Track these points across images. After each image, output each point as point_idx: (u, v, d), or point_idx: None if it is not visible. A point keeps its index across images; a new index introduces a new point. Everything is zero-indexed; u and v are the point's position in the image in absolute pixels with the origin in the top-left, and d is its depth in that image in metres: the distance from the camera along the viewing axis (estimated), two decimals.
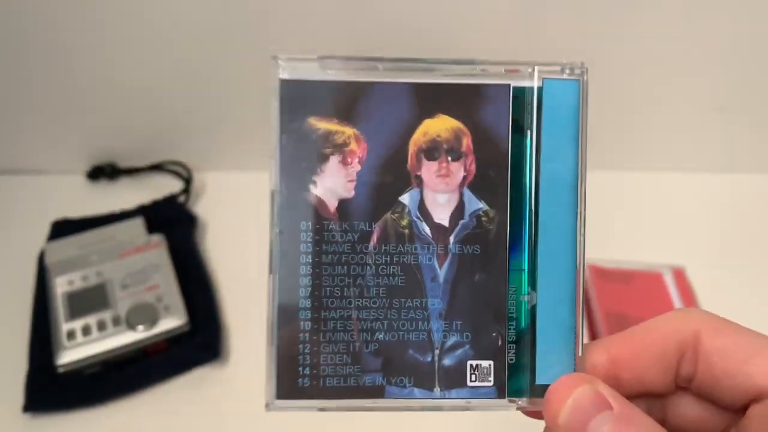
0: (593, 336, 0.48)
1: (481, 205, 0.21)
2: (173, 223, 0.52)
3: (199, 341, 0.45)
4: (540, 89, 0.21)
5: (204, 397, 0.43)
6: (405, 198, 0.21)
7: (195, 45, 0.50)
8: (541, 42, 0.49)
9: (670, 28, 0.50)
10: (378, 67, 0.21)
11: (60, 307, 0.44)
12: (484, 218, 0.21)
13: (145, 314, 0.44)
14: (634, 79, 0.52)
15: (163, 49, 0.50)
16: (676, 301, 0.51)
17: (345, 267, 0.20)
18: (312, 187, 0.21)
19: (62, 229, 0.50)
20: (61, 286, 0.46)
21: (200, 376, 0.44)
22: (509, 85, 0.21)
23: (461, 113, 0.21)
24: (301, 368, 0.20)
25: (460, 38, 0.49)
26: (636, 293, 0.52)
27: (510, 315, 0.21)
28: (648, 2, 0.48)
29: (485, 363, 0.20)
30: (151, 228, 0.50)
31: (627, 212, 0.55)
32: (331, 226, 0.20)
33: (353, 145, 0.21)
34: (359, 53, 0.21)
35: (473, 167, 0.21)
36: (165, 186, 0.56)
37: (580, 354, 0.20)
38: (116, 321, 0.44)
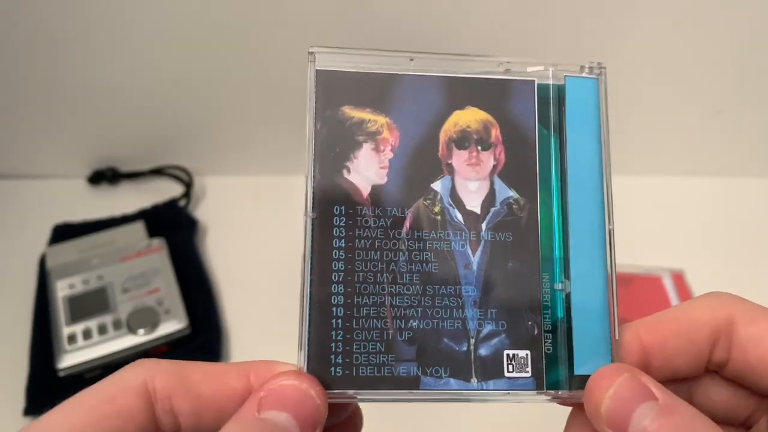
0: None
1: (512, 193, 0.21)
2: (174, 227, 0.52)
3: (200, 345, 0.45)
4: (563, 86, 0.21)
5: None
6: (437, 185, 0.21)
7: (196, 50, 0.50)
8: (540, 46, 0.50)
9: (668, 34, 0.51)
10: (411, 59, 0.21)
11: (61, 310, 0.44)
12: (515, 206, 0.21)
13: (146, 318, 0.44)
14: (631, 84, 0.52)
15: (164, 53, 0.50)
16: (676, 304, 0.51)
17: (378, 252, 0.20)
18: (345, 173, 0.20)
19: (63, 233, 0.51)
20: (62, 289, 0.46)
21: None
22: (534, 81, 0.22)
23: (490, 106, 0.21)
24: (333, 356, 0.19)
25: (465, 38, 0.49)
26: (636, 297, 0.52)
27: (545, 304, 0.21)
28: (644, 8, 0.49)
29: (522, 353, 0.20)
30: (152, 232, 0.50)
31: (626, 216, 0.55)
32: (364, 212, 0.20)
33: (386, 134, 0.21)
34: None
35: (502, 157, 0.21)
36: (166, 190, 0.56)
37: (616, 338, 0.20)
38: (117, 325, 0.43)
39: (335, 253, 0.20)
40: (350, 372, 0.19)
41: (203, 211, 0.56)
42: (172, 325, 0.44)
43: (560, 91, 0.22)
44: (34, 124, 0.54)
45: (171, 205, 0.54)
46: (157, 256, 0.48)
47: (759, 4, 0.48)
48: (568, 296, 0.20)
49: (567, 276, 0.21)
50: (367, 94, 0.21)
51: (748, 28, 0.50)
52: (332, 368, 0.19)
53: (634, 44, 0.50)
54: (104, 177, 0.56)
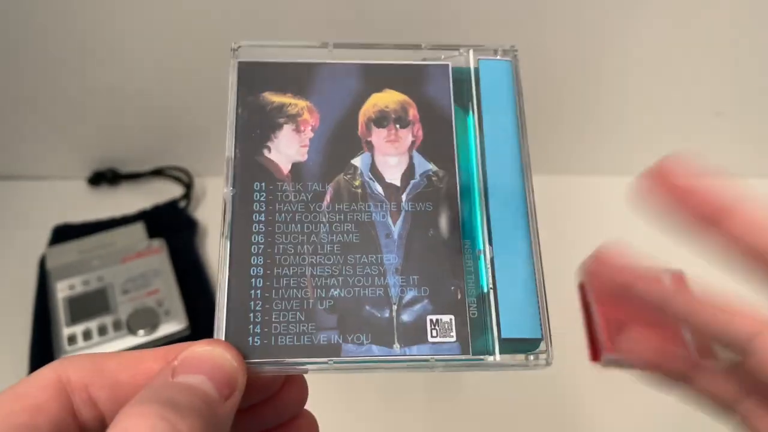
0: (593, 340, 0.46)
1: (431, 166, 0.22)
2: (174, 228, 0.52)
3: None
4: (477, 69, 0.23)
5: None
6: (357, 161, 0.21)
7: (196, 50, 0.50)
8: (538, 42, 0.49)
9: (669, 35, 0.50)
10: (328, 48, 0.23)
11: (61, 311, 0.44)
12: (434, 178, 0.21)
13: (146, 319, 0.44)
14: (632, 85, 0.52)
15: (164, 54, 0.50)
16: None
17: (299, 225, 0.20)
18: (266, 152, 0.21)
19: (63, 234, 0.51)
20: (62, 290, 0.46)
21: None
22: (449, 65, 0.23)
23: (407, 88, 0.23)
24: (252, 326, 0.19)
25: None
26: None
27: (467, 269, 0.20)
28: (645, 8, 0.48)
29: (446, 317, 0.20)
30: (152, 233, 0.50)
31: (625, 216, 0.53)
32: (284, 187, 0.21)
33: (306, 116, 0.22)
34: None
35: (420, 133, 0.22)
36: (166, 191, 0.55)
37: (547, 320, 0.20)
38: (117, 325, 0.44)
39: (255, 226, 0.20)
40: (269, 341, 0.19)
41: (203, 212, 0.55)
42: (172, 326, 0.44)
43: (475, 73, 0.23)
44: (34, 125, 0.54)
45: (171, 206, 0.54)
46: (157, 257, 0.48)
47: (759, 4, 0.48)
48: (492, 261, 0.20)
49: (490, 242, 0.21)
50: (289, 81, 0.22)
51: (748, 28, 0.49)
52: (250, 338, 0.19)
53: (634, 45, 0.49)
54: (104, 178, 0.56)
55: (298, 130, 0.22)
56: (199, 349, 0.18)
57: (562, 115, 0.54)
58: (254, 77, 0.22)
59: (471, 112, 0.22)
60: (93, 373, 0.18)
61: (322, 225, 0.20)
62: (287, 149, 0.21)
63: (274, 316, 0.19)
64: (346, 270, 0.20)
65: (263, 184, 0.21)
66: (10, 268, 0.50)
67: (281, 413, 0.21)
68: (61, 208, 0.54)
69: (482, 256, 0.20)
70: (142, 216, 0.53)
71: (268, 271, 0.20)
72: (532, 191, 0.21)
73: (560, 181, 0.55)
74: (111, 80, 0.52)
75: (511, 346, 0.19)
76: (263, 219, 0.20)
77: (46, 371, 0.18)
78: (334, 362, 0.19)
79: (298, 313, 0.19)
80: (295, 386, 0.20)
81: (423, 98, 0.22)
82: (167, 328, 0.44)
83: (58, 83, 0.52)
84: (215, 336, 0.19)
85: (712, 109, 0.55)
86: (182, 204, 0.55)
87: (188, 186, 0.56)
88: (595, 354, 0.46)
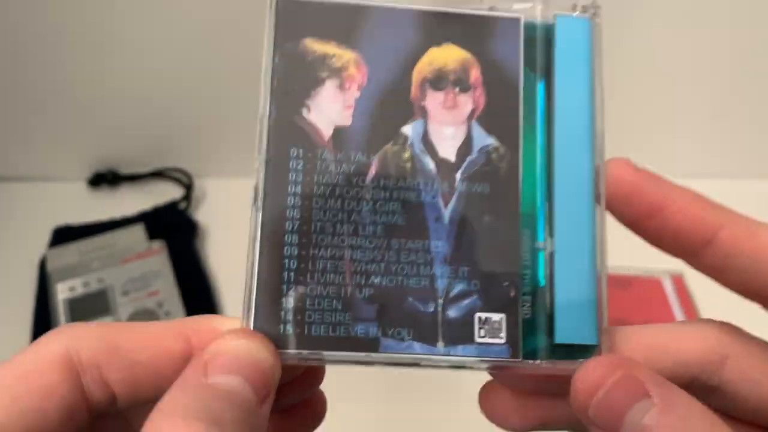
0: None
1: (491, 140, 0.19)
2: (174, 229, 0.52)
3: None
4: (552, 26, 0.19)
5: None
6: (407, 129, 0.19)
7: (196, 52, 0.50)
8: None
9: (670, 36, 0.50)
10: None
11: (61, 313, 0.45)
12: (494, 155, 0.19)
13: (146, 320, 0.44)
14: (634, 85, 0.51)
15: (164, 56, 0.50)
16: (675, 306, 0.50)
17: (339, 201, 0.18)
18: (304, 111, 0.18)
19: (63, 235, 0.51)
20: (63, 292, 0.46)
21: None
22: (520, 19, 0.19)
23: (470, 44, 0.19)
24: (284, 313, 0.17)
25: None
26: (635, 299, 0.51)
27: (524, 264, 0.18)
28: (644, 9, 0.48)
29: (496, 316, 0.18)
30: (152, 234, 0.51)
31: None
32: (324, 155, 0.18)
33: (352, 70, 0.19)
34: None
35: (482, 100, 0.19)
36: (166, 192, 0.56)
37: (605, 325, 0.18)
38: None
39: (290, 200, 0.18)
40: (301, 331, 0.17)
41: (203, 214, 0.55)
42: None
43: (549, 31, 0.19)
44: (34, 126, 0.54)
45: (171, 208, 0.54)
46: (158, 259, 0.48)
47: (760, 5, 0.48)
48: (551, 256, 0.18)
49: (551, 234, 0.18)
50: (334, 26, 0.19)
51: (748, 29, 0.50)
52: (281, 326, 0.17)
53: (634, 45, 0.49)
54: (104, 179, 0.56)
55: (342, 88, 0.19)
56: (233, 343, 0.16)
57: None
58: (295, 18, 0.19)
59: (541, 77, 0.19)
60: (107, 353, 0.16)
61: (364, 203, 0.18)
62: (329, 110, 0.18)
63: (308, 303, 0.17)
64: (389, 256, 0.18)
65: (301, 150, 0.18)
66: (10, 270, 0.50)
67: (297, 396, 0.19)
68: (61, 210, 0.54)
69: (542, 250, 0.18)
70: (143, 217, 0.53)
71: (303, 252, 0.18)
72: (603, 178, 0.19)
73: None
74: (111, 82, 0.51)
75: (564, 351, 0.18)
76: (299, 192, 0.18)
77: (54, 345, 0.16)
78: (373, 357, 0.17)
79: (334, 300, 0.18)
80: (312, 375, 0.19)
81: (488, 57, 0.19)
82: None
83: (58, 85, 0.51)
84: (243, 321, 0.17)
85: (712, 111, 0.55)
86: (182, 205, 0.55)
87: (188, 187, 0.56)
88: None
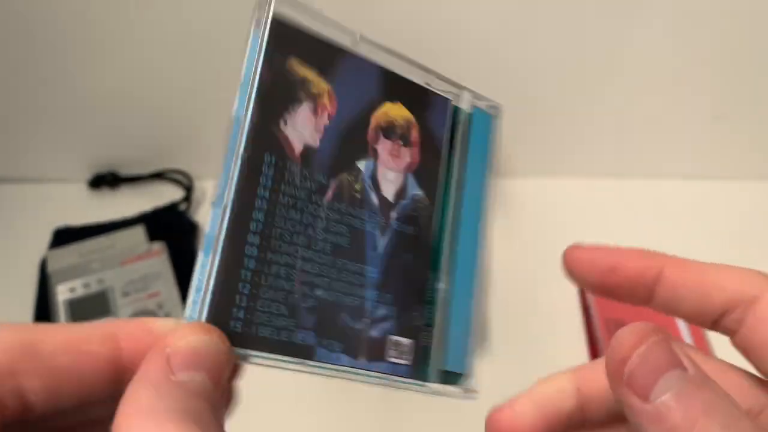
0: (593, 341, 0.48)
1: (420, 192, 0.22)
2: (174, 230, 0.52)
3: None
4: (470, 115, 0.24)
5: None
6: (362, 164, 0.21)
7: (197, 53, 0.50)
8: (539, 49, 0.50)
9: (668, 38, 0.50)
10: (357, 39, 0.22)
11: (62, 314, 0.45)
12: (420, 204, 0.22)
13: None
14: (631, 89, 0.53)
15: (164, 57, 0.50)
16: None
17: (299, 213, 0.19)
18: (281, 123, 0.19)
19: (64, 236, 0.51)
20: (63, 293, 0.46)
21: None
22: (449, 101, 0.24)
23: (414, 108, 0.23)
24: (236, 309, 0.17)
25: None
26: None
27: (428, 299, 0.22)
28: (643, 10, 0.48)
29: (406, 341, 0.21)
30: (152, 236, 0.51)
31: (625, 219, 0.54)
32: (293, 168, 0.19)
33: (326, 100, 0.21)
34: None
35: (417, 157, 0.23)
36: (166, 194, 0.56)
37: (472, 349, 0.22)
38: None
39: (258, 202, 0.18)
40: (249, 329, 0.18)
41: (203, 215, 0.54)
42: None
43: (469, 118, 0.24)
44: (35, 127, 0.54)
45: (171, 209, 0.54)
46: (158, 260, 0.48)
47: (760, 5, 0.48)
48: (448, 297, 0.22)
49: (450, 280, 0.22)
50: (317, 57, 0.20)
51: (747, 30, 0.49)
52: (232, 322, 0.17)
53: (634, 46, 0.50)
54: (105, 181, 0.56)
55: (315, 113, 0.20)
56: (194, 338, 0.16)
57: (561, 116, 0.55)
58: (286, 38, 0.20)
59: (456, 154, 0.24)
60: (26, 359, 0.15)
61: (319, 220, 0.20)
62: (303, 129, 0.20)
63: (259, 304, 0.18)
64: (332, 273, 0.20)
65: (274, 158, 0.19)
66: (10, 271, 0.50)
67: None
68: (61, 211, 0.54)
69: (439, 291, 0.22)
70: (143, 219, 0.53)
71: (262, 254, 0.18)
72: (485, 240, 0.24)
73: (559, 183, 0.58)
74: (111, 83, 0.51)
75: (448, 377, 0.22)
76: (267, 196, 0.19)
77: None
78: (308, 365, 0.18)
79: (282, 305, 0.18)
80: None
81: (425, 123, 0.23)
82: None
83: (58, 86, 0.51)
84: (194, 312, 0.17)
85: (711, 112, 0.55)
86: (182, 207, 0.55)
87: (188, 189, 0.56)
88: (595, 354, 0.50)
